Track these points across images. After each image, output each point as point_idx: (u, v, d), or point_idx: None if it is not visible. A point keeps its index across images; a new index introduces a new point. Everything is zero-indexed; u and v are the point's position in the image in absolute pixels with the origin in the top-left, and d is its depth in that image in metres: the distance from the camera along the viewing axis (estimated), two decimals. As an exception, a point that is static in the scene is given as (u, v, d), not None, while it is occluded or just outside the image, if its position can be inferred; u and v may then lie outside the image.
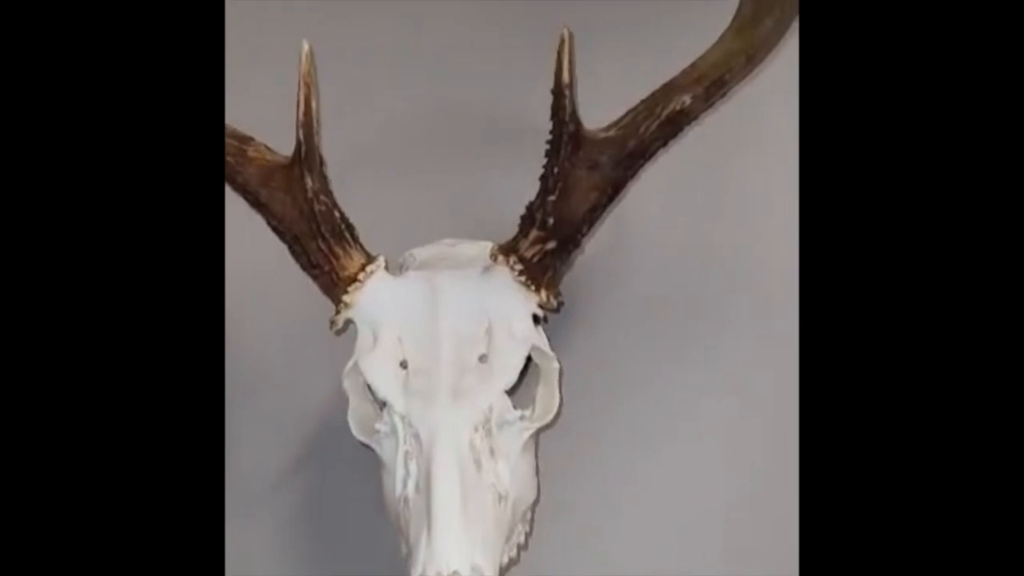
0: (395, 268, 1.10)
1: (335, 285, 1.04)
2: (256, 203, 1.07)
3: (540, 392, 1.04)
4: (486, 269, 1.05)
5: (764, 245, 1.25)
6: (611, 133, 1.04)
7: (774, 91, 1.25)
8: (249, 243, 1.13)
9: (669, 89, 1.05)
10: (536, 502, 1.05)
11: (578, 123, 1.02)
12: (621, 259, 1.28)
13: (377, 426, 1.00)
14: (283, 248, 1.07)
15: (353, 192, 1.10)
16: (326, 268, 1.04)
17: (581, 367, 1.16)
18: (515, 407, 1.00)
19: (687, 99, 1.04)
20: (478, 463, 0.96)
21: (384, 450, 1.00)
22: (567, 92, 1.01)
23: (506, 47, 1.47)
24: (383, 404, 1.01)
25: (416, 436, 0.96)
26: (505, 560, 0.99)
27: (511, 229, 1.04)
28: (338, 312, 1.04)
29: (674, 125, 1.05)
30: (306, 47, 1.05)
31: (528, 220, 1.04)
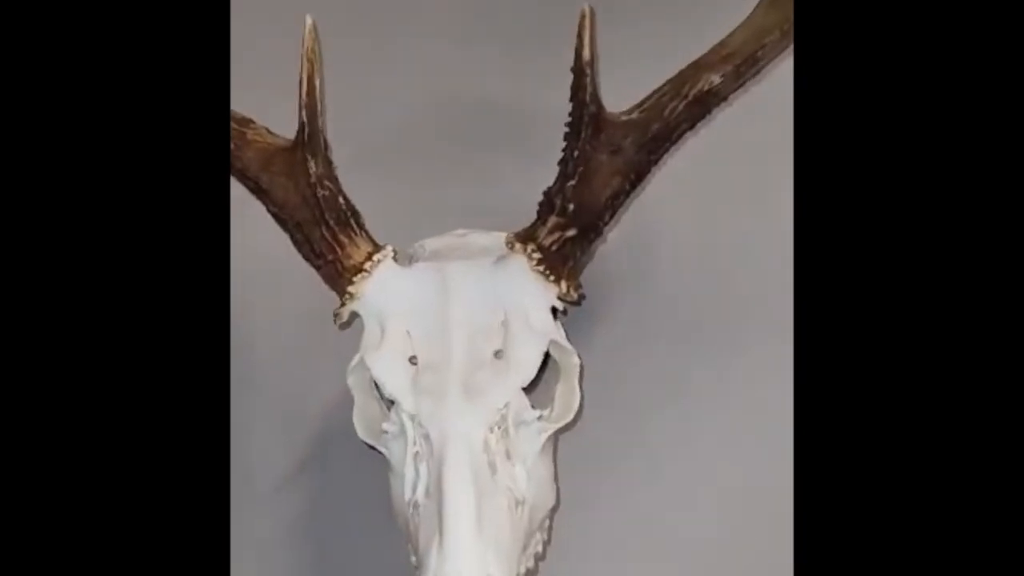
0: (404, 260, 1.05)
1: (340, 275, 0.99)
2: (256, 189, 1.03)
3: (559, 390, 0.99)
4: (501, 258, 0.99)
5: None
6: (634, 115, 1.00)
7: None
8: (250, 234, 1.10)
9: (697, 68, 1.01)
10: (555, 508, 1.00)
11: (599, 104, 0.99)
12: (642, 252, 1.24)
13: (384, 426, 0.96)
14: (284, 239, 1.02)
15: (360, 185, 1.05)
16: (330, 257, 0.99)
17: (599, 365, 1.11)
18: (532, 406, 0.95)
19: (716, 78, 1.00)
20: (493, 466, 0.91)
21: (392, 452, 0.95)
22: (588, 70, 0.97)
23: (519, 36, 1.44)
24: (391, 403, 0.96)
25: (426, 437, 0.92)
26: (522, 571, 0.93)
27: (524, 223, 1.00)
28: (343, 304, 0.99)
29: (702, 106, 1.00)
30: (309, 21, 1.01)
31: (546, 206, 0.99)
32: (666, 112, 0.99)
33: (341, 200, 1.00)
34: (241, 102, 1.04)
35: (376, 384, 0.97)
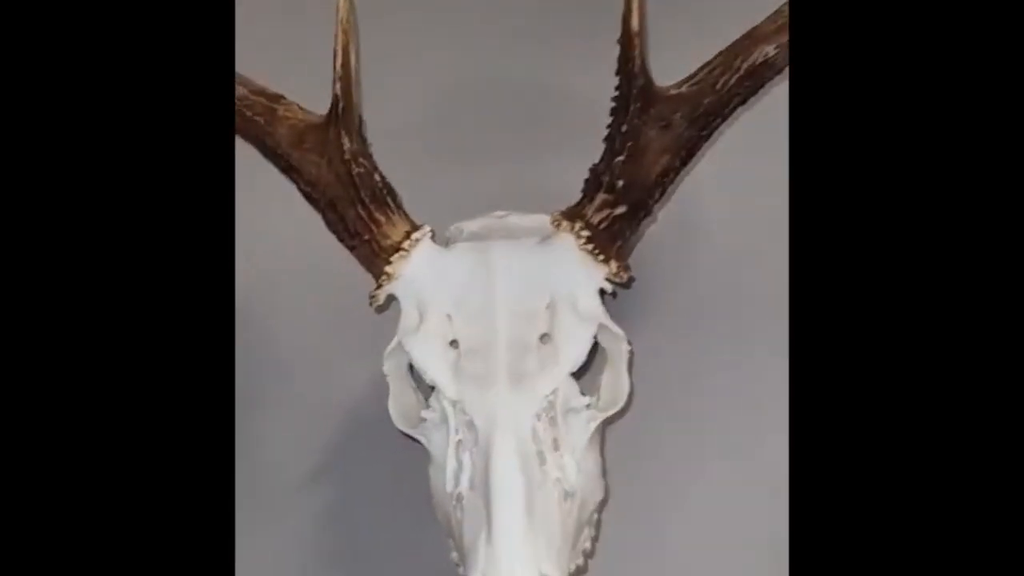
0: (441, 243, 1.00)
1: (376, 256, 0.95)
2: (287, 167, 1.00)
3: (606, 377, 0.96)
4: (546, 238, 0.95)
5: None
6: (684, 89, 0.96)
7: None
8: (272, 230, 1.12)
9: (751, 39, 0.96)
10: (604, 502, 0.95)
11: (648, 77, 0.95)
12: (688, 236, 1.20)
13: (424, 414, 0.93)
14: (309, 234, 0.99)
15: (394, 170, 1.01)
16: (366, 237, 0.95)
17: (647, 354, 1.06)
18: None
19: (771, 50, 0.95)
20: (542, 456, 0.87)
21: (432, 441, 0.92)
22: (636, 41, 0.94)
23: (555, 16, 1.38)
24: (430, 389, 0.93)
25: (470, 424, 0.88)
26: (572, 568, 0.90)
27: (558, 207, 0.96)
28: (379, 286, 0.95)
29: (756, 79, 0.96)
30: (344, -8, 0.96)
31: (594, 183, 0.95)
32: (718, 85, 0.95)
33: (377, 177, 0.96)
34: (270, 76, 1.01)
35: (414, 370, 0.93)
